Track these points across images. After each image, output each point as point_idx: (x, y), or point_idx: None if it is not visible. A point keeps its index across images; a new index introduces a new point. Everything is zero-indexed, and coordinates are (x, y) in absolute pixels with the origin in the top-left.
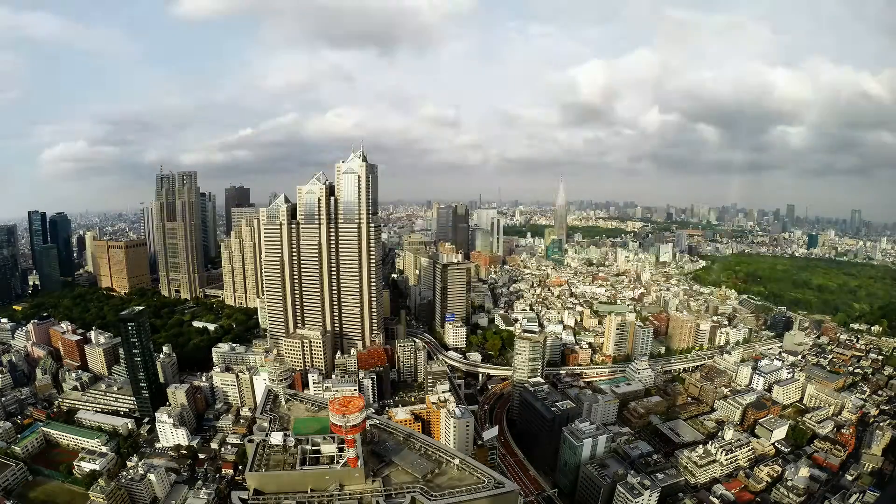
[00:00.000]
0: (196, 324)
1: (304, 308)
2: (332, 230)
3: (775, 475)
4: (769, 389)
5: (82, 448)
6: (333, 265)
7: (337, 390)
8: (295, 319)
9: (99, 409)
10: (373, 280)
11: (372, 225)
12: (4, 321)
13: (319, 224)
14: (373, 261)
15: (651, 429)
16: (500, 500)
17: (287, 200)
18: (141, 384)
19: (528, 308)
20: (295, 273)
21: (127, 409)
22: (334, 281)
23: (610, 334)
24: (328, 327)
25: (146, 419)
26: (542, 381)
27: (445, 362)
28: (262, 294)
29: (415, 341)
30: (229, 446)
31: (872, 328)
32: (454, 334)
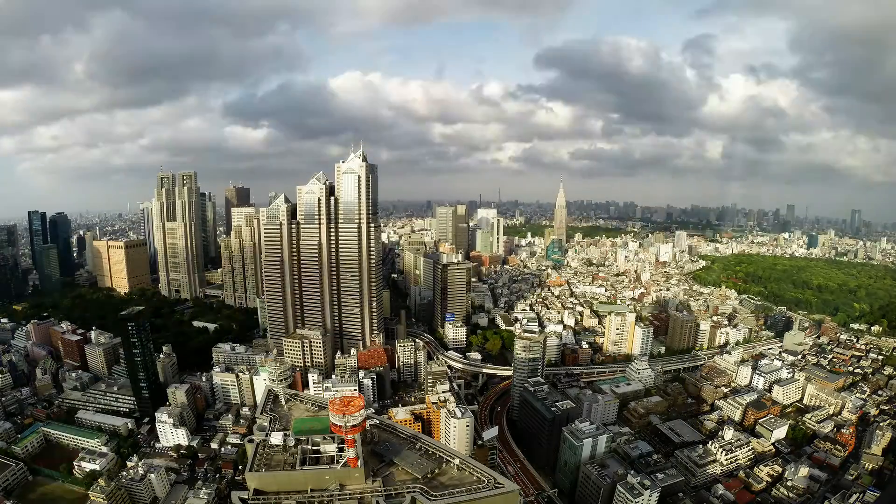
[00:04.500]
0: (196, 324)
1: (304, 308)
2: (332, 230)
3: (775, 475)
4: (769, 389)
5: (82, 448)
6: (333, 265)
7: (337, 390)
8: (295, 319)
9: (99, 409)
10: (373, 280)
11: (372, 225)
12: (4, 321)
13: (319, 224)
14: (373, 261)
15: (651, 429)
16: (500, 500)
17: (287, 200)
18: (141, 384)
19: (528, 308)
20: (295, 273)
21: (127, 409)
22: (334, 281)
23: (610, 334)
24: (328, 327)
25: (146, 419)
26: (542, 381)
27: (445, 362)
28: (262, 294)
29: (415, 341)
30: (229, 446)
31: (872, 328)
32: (454, 334)
